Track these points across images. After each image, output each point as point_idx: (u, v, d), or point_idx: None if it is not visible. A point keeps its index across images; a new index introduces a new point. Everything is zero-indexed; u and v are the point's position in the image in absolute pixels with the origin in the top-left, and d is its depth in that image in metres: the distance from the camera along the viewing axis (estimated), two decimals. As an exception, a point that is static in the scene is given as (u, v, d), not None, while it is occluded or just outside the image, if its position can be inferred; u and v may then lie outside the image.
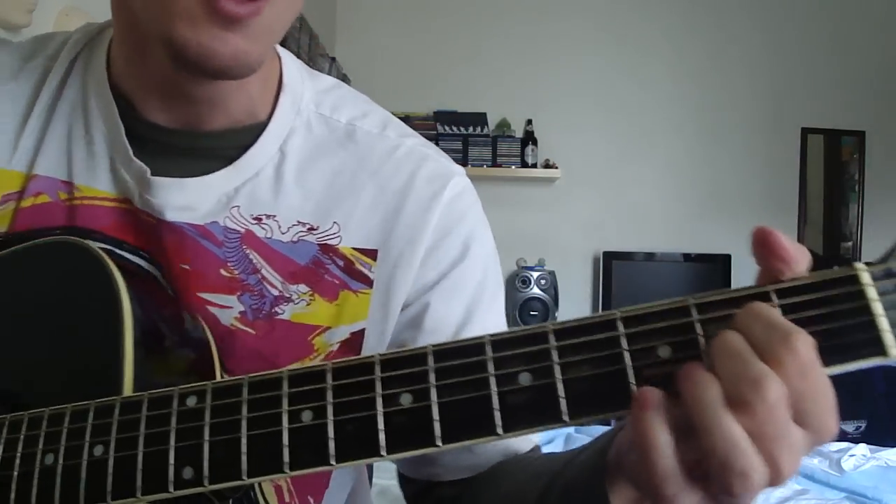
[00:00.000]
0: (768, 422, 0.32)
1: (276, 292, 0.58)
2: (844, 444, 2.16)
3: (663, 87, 3.60)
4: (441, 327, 0.60)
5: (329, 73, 3.02)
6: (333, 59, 3.19)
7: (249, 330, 0.57)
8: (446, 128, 3.49)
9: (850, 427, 3.07)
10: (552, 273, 3.44)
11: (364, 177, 0.61)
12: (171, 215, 0.57)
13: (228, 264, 0.57)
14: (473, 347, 0.37)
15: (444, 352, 0.37)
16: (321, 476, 0.63)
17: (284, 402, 0.38)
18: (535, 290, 3.39)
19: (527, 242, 3.52)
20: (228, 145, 0.59)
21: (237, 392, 0.39)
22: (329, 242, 0.59)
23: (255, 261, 0.58)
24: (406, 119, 3.36)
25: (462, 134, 3.50)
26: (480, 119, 3.51)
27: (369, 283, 0.59)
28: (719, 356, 0.33)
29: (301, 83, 0.63)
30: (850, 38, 3.56)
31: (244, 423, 0.38)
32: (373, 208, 0.60)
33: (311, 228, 0.59)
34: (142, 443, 0.39)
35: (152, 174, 0.57)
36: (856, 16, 3.57)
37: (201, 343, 0.52)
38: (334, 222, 0.59)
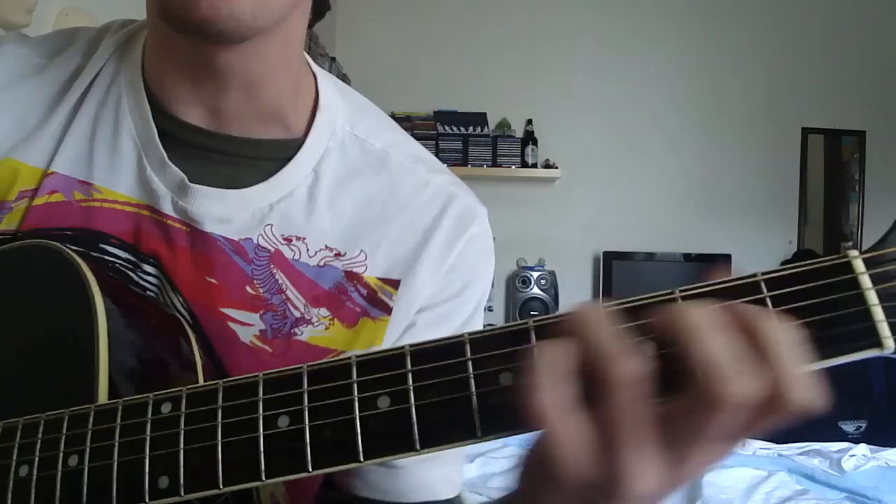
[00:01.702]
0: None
1: (297, 314, 0.58)
2: (844, 444, 2.16)
3: (663, 86, 3.60)
4: None
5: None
6: (333, 59, 3.19)
7: (266, 348, 0.57)
8: (446, 128, 3.49)
9: (850, 427, 3.07)
10: (552, 273, 3.43)
11: (394, 209, 0.61)
12: (210, 226, 0.57)
13: (255, 282, 0.57)
14: (452, 347, 0.36)
15: (422, 352, 0.36)
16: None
17: (260, 407, 0.37)
18: (535, 290, 3.39)
19: (527, 242, 3.52)
20: (263, 156, 0.59)
21: (212, 398, 0.38)
22: (355, 270, 0.60)
23: (280, 281, 0.58)
24: (406, 119, 3.37)
25: (462, 134, 3.49)
26: (480, 119, 3.51)
27: (388, 310, 0.60)
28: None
29: (336, 102, 0.63)
30: (850, 39, 3.55)
31: (219, 431, 0.37)
32: (400, 241, 0.61)
33: (338, 254, 0.59)
34: (116, 452, 0.39)
35: (189, 181, 0.57)
36: (856, 16, 3.56)
37: (187, 359, 0.51)
38: (361, 250, 0.60)
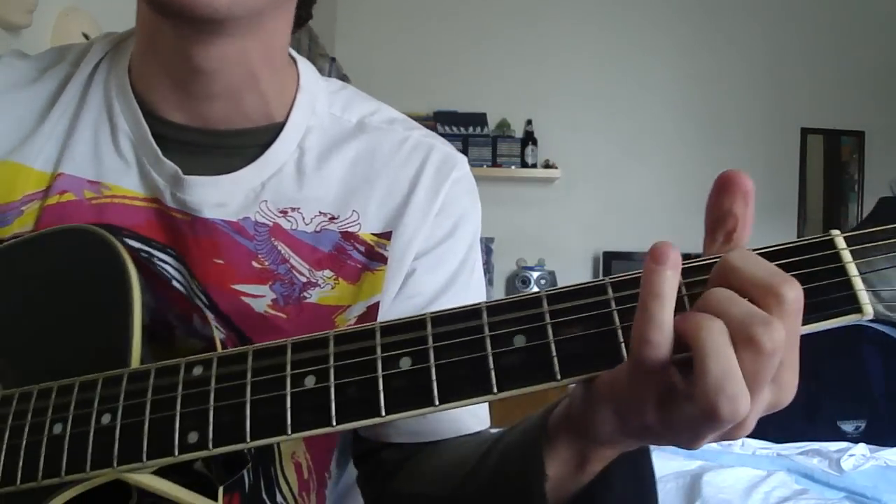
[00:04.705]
0: (767, 363, 0.33)
1: (304, 279, 0.61)
2: (844, 444, 2.15)
3: (663, 87, 3.60)
4: (420, 293, 0.65)
5: (329, 74, 3.00)
6: (333, 59, 3.19)
7: (281, 315, 0.60)
8: (446, 128, 3.49)
9: (849, 427, 3.08)
10: (552, 273, 3.44)
11: (378, 167, 0.65)
12: (209, 212, 0.60)
13: (259, 256, 0.61)
14: (470, 313, 0.38)
15: (442, 318, 0.38)
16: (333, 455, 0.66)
17: (288, 367, 0.39)
18: (535, 290, 3.38)
19: (527, 242, 3.52)
20: (248, 144, 0.62)
21: (242, 360, 0.40)
22: (350, 230, 0.63)
23: (283, 251, 0.61)
24: (406, 119, 3.37)
25: (462, 134, 3.50)
26: (480, 119, 3.52)
27: (384, 260, 0.63)
28: (724, 303, 0.34)
29: (315, 84, 0.67)
30: (849, 39, 3.56)
31: (248, 389, 0.39)
32: (388, 196, 0.64)
33: (333, 218, 0.63)
34: (148, 409, 0.40)
35: (183, 173, 0.60)
36: (856, 16, 3.57)
37: (207, 339, 0.54)
38: (353, 211, 0.63)
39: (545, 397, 0.41)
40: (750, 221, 0.38)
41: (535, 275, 3.41)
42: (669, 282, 0.34)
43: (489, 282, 3.52)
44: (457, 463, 0.56)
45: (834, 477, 1.92)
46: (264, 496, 0.58)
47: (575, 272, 3.56)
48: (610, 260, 3.49)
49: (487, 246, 3.45)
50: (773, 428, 2.86)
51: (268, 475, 0.59)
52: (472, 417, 0.64)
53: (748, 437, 2.30)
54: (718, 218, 0.39)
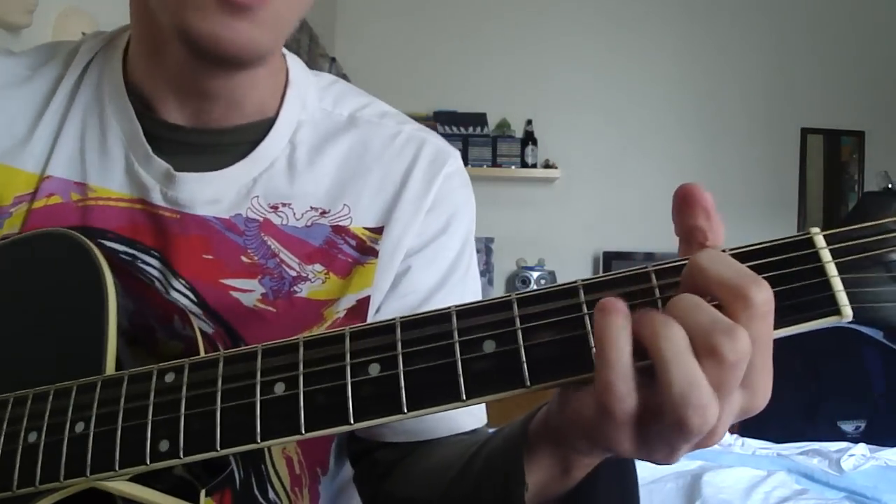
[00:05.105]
0: (731, 373, 0.32)
1: (293, 273, 0.61)
2: (844, 444, 2.15)
3: (663, 87, 3.60)
4: (415, 290, 0.64)
5: (329, 74, 3.00)
6: (333, 59, 3.19)
7: (271, 309, 0.60)
8: (446, 128, 3.49)
9: (849, 427, 3.07)
10: (552, 273, 3.44)
11: (369, 161, 0.64)
12: (201, 209, 0.60)
13: (248, 251, 0.60)
14: (440, 317, 0.37)
15: (411, 322, 0.38)
16: (328, 448, 0.66)
17: (258, 375, 0.39)
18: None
19: (527, 242, 3.52)
20: (241, 140, 0.62)
21: (213, 366, 0.40)
22: (341, 223, 0.63)
23: (272, 246, 0.61)
24: (406, 119, 3.36)
25: (462, 134, 3.50)
26: (480, 119, 3.52)
27: (375, 254, 0.63)
28: (687, 310, 0.33)
29: (305, 79, 0.66)
30: (850, 39, 3.56)
31: (219, 396, 0.39)
32: (379, 190, 0.64)
33: (324, 212, 0.63)
34: (121, 417, 0.40)
35: (175, 170, 0.60)
36: (856, 16, 3.57)
37: (189, 340, 0.54)
38: (344, 205, 0.63)
39: (543, 393, 0.40)
40: (719, 229, 0.37)
41: (535, 275, 3.40)
42: (621, 330, 0.33)
43: (489, 282, 3.52)
44: (445, 466, 0.55)
45: (834, 477, 1.92)
46: (256, 492, 0.58)
47: (575, 272, 3.56)
48: (610, 260, 3.49)
49: (487, 246, 3.45)
50: (774, 428, 2.86)
51: (258, 472, 0.58)
52: (468, 416, 0.64)
53: (748, 437, 2.31)
54: (685, 233, 0.38)
